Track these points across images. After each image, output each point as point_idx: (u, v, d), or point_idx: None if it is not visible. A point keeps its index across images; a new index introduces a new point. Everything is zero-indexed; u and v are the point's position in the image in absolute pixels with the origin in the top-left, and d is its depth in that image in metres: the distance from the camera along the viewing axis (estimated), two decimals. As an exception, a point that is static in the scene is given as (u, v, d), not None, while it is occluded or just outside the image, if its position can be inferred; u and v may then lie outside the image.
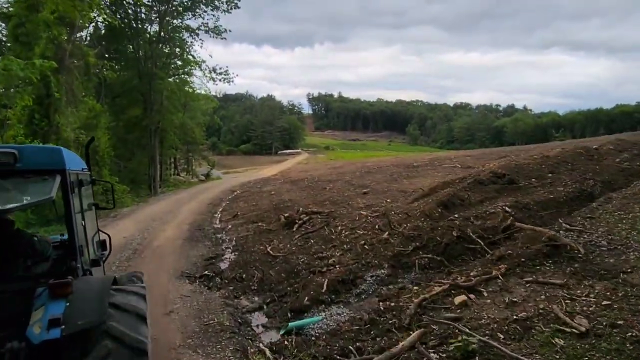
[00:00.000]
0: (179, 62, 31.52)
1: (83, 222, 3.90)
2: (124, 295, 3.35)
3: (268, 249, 10.41)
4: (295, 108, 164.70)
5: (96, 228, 4.73)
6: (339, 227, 11.30)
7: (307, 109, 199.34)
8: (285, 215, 13.43)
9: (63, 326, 2.77)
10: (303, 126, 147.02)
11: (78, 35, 21.97)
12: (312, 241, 10.69)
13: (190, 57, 29.56)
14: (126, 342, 2.97)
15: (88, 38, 27.02)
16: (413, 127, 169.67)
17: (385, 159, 59.14)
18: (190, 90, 31.52)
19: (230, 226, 15.44)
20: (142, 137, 31.55)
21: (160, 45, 30.01)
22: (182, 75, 30.90)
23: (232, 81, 32.98)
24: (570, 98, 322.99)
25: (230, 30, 31.36)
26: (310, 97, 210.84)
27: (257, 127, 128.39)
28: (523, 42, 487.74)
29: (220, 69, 32.38)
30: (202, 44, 29.81)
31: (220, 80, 32.51)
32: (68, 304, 2.91)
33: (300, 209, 14.24)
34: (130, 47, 28.42)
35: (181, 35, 30.46)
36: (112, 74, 19.25)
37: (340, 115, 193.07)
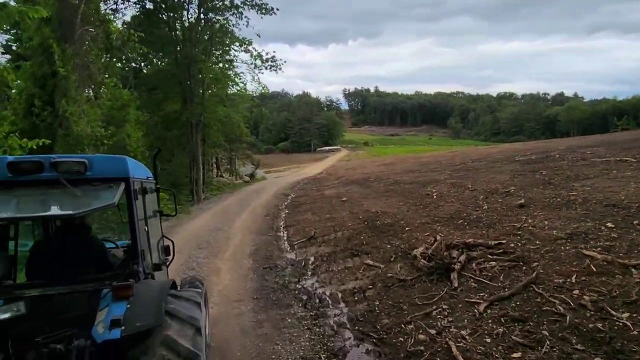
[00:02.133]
0: (221, 46, 26.47)
1: (146, 228, 3.88)
2: (180, 302, 3.30)
3: (453, 349, 4.82)
4: (334, 104, 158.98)
5: (160, 234, 4.72)
6: (557, 286, 5.64)
7: (343, 105, 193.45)
8: (420, 251, 7.80)
9: (123, 327, 2.79)
10: (342, 122, 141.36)
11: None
12: (529, 325, 5.04)
13: (234, 36, 24.45)
14: (183, 354, 2.93)
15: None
16: (455, 120, 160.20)
17: (441, 154, 52.67)
18: (235, 77, 26.40)
19: (313, 259, 10.04)
20: (183, 134, 26.87)
21: (200, 28, 25.07)
22: (226, 58, 25.87)
23: (280, 68, 27.71)
24: (620, 84, 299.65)
25: (277, 9, 26.12)
26: (346, 92, 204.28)
27: (295, 124, 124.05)
28: (568, 27, 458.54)
29: (267, 54, 27.14)
30: (247, 22, 24.66)
31: (267, 67, 27.32)
32: (129, 305, 2.93)
33: (438, 237, 8.56)
34: (167, 28, 23.61)
35: (223, 15, 25.39)
36: (140, 47, 14.25)
37: (377, 110, 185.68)
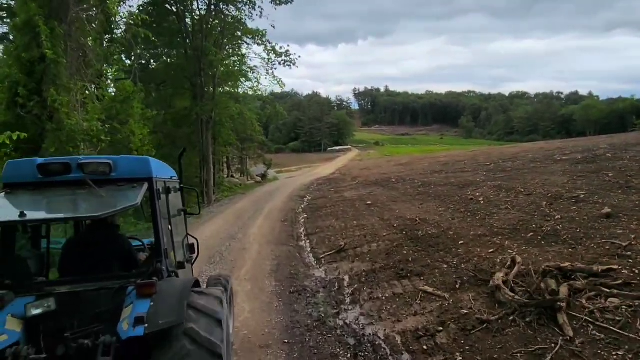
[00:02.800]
0: (233, 39, 24.73)
1: (170, 227, 3.91)
2: (202, 297, 3.33)
3: None
4: (344, 103, 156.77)
5: (185, 232, 4.77)
6: None
7: (353, 105, 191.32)
8: (501, 278, 5.90)
9: (146, 324, 2.83)
10: (352, 121, 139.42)
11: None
12: None
13: (247, 27, 22.66)
14: (204, 344, 2.96)
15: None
16: (467, 119, 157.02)
17: (458, 154, 50.55)
18: (248, 72, 24.52)
19: (348, 280, 8.23)
20: (193, 132, 25.22)
21: (211, 20, 23.37)
22: (238, 52, 24.04)
23: (294, 64, 25.85)
24: (637, 83, 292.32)
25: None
26: (356, 92, 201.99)
27: (306, 123, 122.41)
28: (583, 24, 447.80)
29: (281, 48, 25.31)
30: (261, 12, 22.86)
31: (281, 63, 25.47)
32: (152, 303, 2.97)
33: (518, 258, 6.66)
34: (176, 19, 21.90)
35: (235, 5, 23.63)
36: (145, 33, 12.49)
37: (388, 110, 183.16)
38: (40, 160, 3.37)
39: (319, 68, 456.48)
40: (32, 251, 3.89)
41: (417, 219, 11.63)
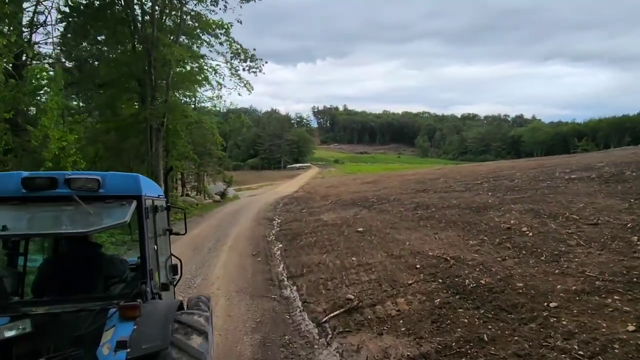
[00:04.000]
0: (191, 37, 20.94)
1: (155, 247, 3.72)
2: (187, 315, 3.24)
3: None
4: (304, 120, 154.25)
5: (169, 253, 4.59)
6: None
7: (312, 123, 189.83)
8: None
9: (129, 349, 2.62)
10: (312, 139, 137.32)
11: None
12: None
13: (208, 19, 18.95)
14: (190, 353, 2.84)
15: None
16: (422, 139, 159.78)
17: (425, 171, 48.85)
18: (210, 71, 20.58)
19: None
20: (142, 143, 20.96)
21: (166, 10, 19.54)
22: (198, 51, 20.15)
23: (260, 70, 22.37)
24: (571, 109, 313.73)
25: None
26: (316, 110, 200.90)
27: (265, 140, 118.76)
28: (524, 54, 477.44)
29: (247, 51, 21.73)
30: (225, 5, 19.30)
31: (245, 68, 21.89)
32: (135, 326, 2.79)
33: None
34: (122, 4, 17.84)
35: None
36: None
37: (347, 129, 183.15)
38: (25, 174, 3.09)
39: (278, 85, 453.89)
40: (8, 269, 3.64)
41: (446, 257, 8.43)
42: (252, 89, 19.29)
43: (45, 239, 4.27)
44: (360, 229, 13.42)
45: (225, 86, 19.88)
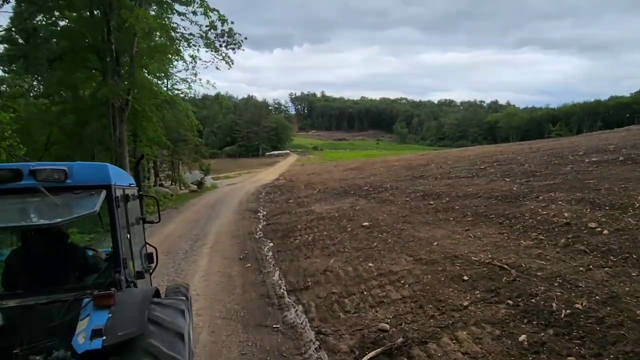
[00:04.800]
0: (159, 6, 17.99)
1: (128, 236, 3.63)
2: (163, 309, 3.03)
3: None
4: (282, 107, 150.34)
5: (143, 241, 4.55)
6: None
7: (291, 109, 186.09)
8: None
9: (104, 337, 2.55)
10: (291, 125, 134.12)
11: None
12: None
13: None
14: (162, 359, 2.67)
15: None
16: (401, 125, 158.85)
17: (410, 157, 47.46)
18: (180, 41, 17.56)
19: None
20: (106, 128, 18.04)
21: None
22: (165, 20, 17.04)
23: (240, 47, 19.58)
24: (542, 95, 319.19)
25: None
26: (293, 96, 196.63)
27: (242, 127, 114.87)
28: (498, 41, 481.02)
29: (226, 20, 18.82)
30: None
31: (223, 44, 19.04)
32: (110, 315, 2.70)
33: None
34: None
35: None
36: None
37: (325, 115, 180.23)
38: None
39: (254, 72, 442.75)
40: None
41: (499, 264, 6.39)
42: (232, 63, 16.66)
43: (13, 232, 4.16)
44: (366, 224, 11.30)
45: (200, 59, 17.10)
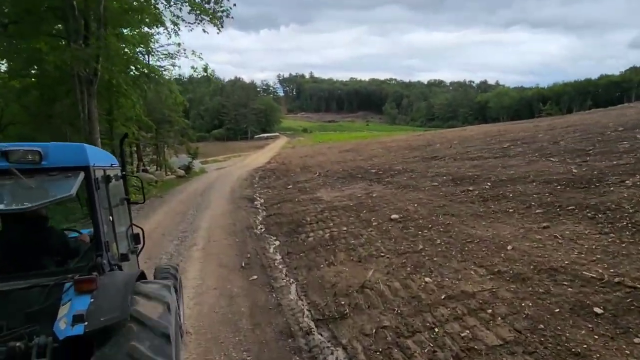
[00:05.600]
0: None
1: (111, 218, 3.53)
2: (148, 285, 3.02)
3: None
4: (270, 88, 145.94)
5: (129, 222, 4.40)
6: None
7: (279, 91, 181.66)
8: None
9: (86, 322, 2.44)
10: (279, 107, 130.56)
11: None
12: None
13: None
14: (149, 325, 2.60)
15: None
16: (390, 106, 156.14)
17: (406, 137, 45.55)
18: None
19: None
20: (75, 105, 15.26)
21: None
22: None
23: (228, 14, 16.68)
24: (529, 75, 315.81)
25: None
26: (281, 77, 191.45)
27: (230, 109, 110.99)
28: (485, 20, 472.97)
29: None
30: None
31: (211, 13, 16.06)
32: (92, 300, 2.58)
33: None
34: None
35: None
36: None
37: (314, 97, 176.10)
38: None
39: (241, 53, 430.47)
40: None
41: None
42: (222, 25, 13.93)
43: None
44: (395, 216, 9.06)
45: (183, 20, 14.27)
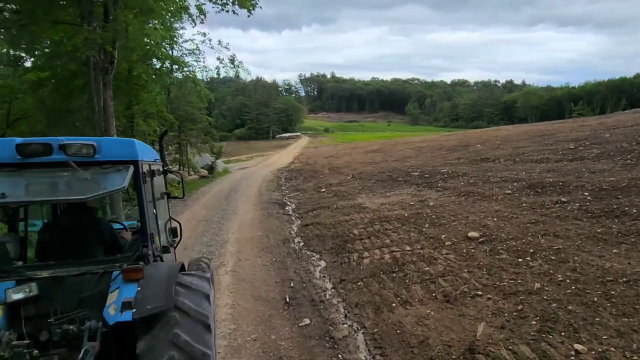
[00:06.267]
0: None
1: (155, 211, 3.57)
2: (189, 277, 3.08)
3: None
4: (292, 87, 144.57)
5: (168, 216, 4.45)
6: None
7: (300, 91, 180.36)
8: None
9: (134, 309, 2.58)
10: (302, 107, 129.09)
11: None
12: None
13: None
14: (191, 315, 2.73)
15: None
16: (413, 106, 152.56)
17: (433, 138, 43.12)
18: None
19: None
20: (88, 100, 13.75)
21: None
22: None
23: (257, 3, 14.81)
24: (556, 74, 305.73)
25: None
26: (302, 77, 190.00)
27: (252, 109, 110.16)
28: (510, 19, 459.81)
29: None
30: None
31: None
32: (139, 288, 2.72)
33: None
34: None
35: None
36: None
37: (335, 97, 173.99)
38: (18, 140, 2.93)
39: (262, 54, 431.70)
40: (10, 235, 3.56)
41: None
42: (254, 5, 12.15)
43: (43, 205, 4.12)
44: (474, 234, 7.08)
45: (211, 0, 12.51)
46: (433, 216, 8.84)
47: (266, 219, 11.98)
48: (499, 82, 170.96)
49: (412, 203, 10.60)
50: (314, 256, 8.08)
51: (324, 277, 6.85)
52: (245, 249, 8.68)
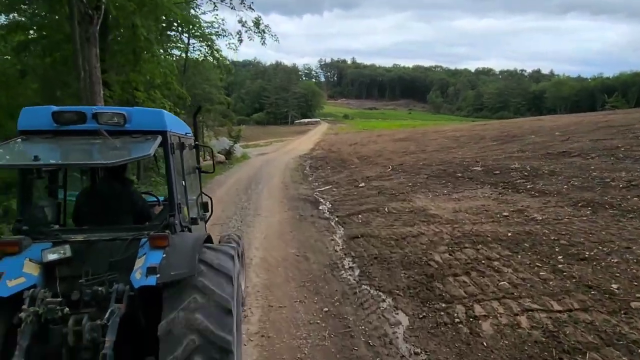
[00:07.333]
0: None
1: (183, 182, 3.69)
2: (214, 253, 3.08)
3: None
4: (312, 72, 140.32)
5: (199, 190, 4.66)
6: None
7: (320, 77, 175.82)
8: None
9: (158, 275, 2.68)
10: (322, 92, 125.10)
11: None
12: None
13: None
14: (213, 298, 2.72)
15: None
16: (435, 94, 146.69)
17: (464, 127, 39.50)
18: None
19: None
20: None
21: None
22: None
23: None
24: (585, 65, 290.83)
25: None
26: (322, 62, 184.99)
27: (271, 93, 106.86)
28: (540, 6, 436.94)
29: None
30: None
31: None
32: (164, 255, 2.82)
33: None
34: None
35: None
36: None
37: (355, 83, 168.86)
38: (55, 108, 3.09)
39: (282, 39, 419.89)
40: (49, 199, 3.57)
41: None
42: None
43: (83, 173, 4.33)
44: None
45: None
46: (562, 241, 5.72)
47: (298, 225, 9.02)
48: (525, 71, 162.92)
49: (505, 213, 7.48)
50: (383, 300, 5.11)
51: (413, 354, 3.87)
52: (275, 282, 5.74)
